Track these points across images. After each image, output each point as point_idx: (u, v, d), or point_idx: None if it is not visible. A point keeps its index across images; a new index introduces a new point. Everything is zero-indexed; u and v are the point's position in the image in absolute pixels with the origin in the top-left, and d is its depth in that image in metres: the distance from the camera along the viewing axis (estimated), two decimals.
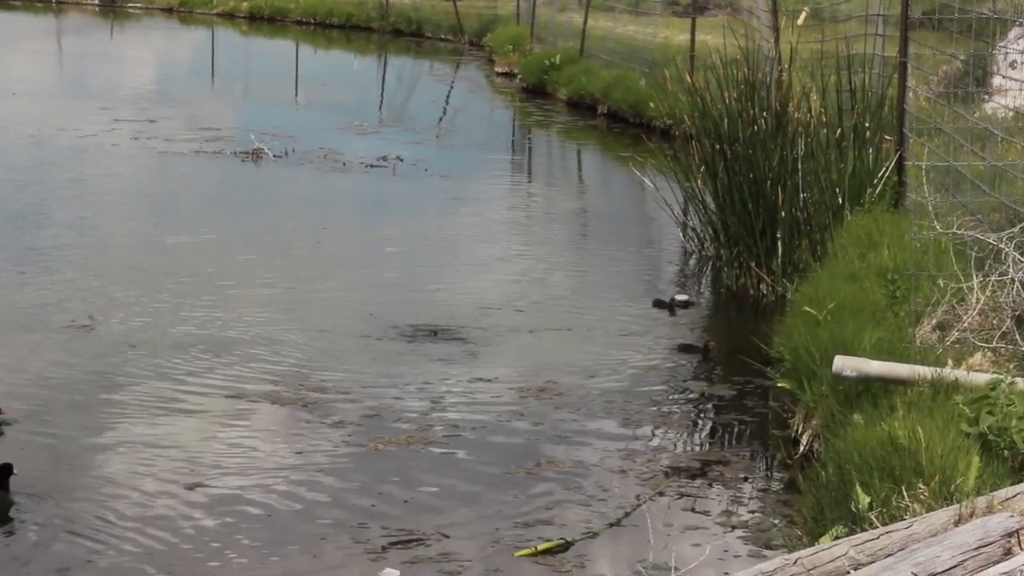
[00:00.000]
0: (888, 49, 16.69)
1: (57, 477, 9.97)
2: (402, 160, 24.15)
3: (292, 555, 8.88)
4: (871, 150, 15.38)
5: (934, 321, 10.37)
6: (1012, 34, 18.09)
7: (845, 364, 9.36)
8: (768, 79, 16.80)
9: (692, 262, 17.58)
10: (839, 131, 15.60)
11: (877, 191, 14.67)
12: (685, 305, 15.19)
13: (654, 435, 11.26)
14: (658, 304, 15.16)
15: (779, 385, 11.50)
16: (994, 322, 10.13)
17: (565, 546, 9.04)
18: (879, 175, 14.83)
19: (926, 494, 7.25)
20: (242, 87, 37.21)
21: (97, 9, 60.96)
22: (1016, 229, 10.57)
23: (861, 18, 18.41)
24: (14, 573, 8.58)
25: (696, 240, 17.67)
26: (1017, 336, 9.81)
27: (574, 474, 10.33)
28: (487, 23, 47.27)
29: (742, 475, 10.45)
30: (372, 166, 23.70)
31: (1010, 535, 5.84)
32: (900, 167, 14.51)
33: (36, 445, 10.44)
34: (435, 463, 10.46)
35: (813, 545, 6.63)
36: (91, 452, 10.48)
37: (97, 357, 12.74)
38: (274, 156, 24.07)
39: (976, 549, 5.69)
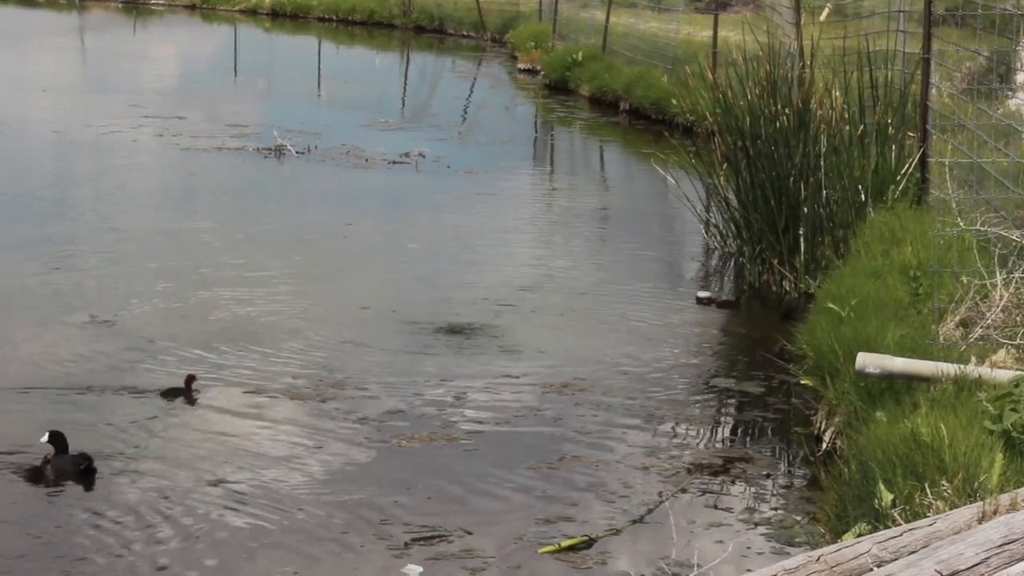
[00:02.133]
0: (911, 45, 16.67)
1: (75, 483, 10.01)
2: (424, 156, 24.18)
3: (315, 551, 8.90)
4: (894, 147, 15.36)
5: (957, 318, 10.36)
6: None
7: (868, 361, 9.35)
8: (790, 75, 16.78)
9: (714, 259, 17.57)
10: (862, 128, 15.58)
11: (900, 188, 14.66)
12: (709, 302, 15.18)
13: (676, 432, 11.27)
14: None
15: (802, 382, 11.49)
16: (1018, 319, 10.12)
17: (588, 543, 9.05)
18: (902, 172, 14.82)
19: (949, 491, 7.25)
20: (265, 84, 37.27)
21: (120, 6, 61.12)
22: None
23: (884, 14, 18.40)
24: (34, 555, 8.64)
25: (719, 237, 17.65)
26: None
27: (597, 471, 10.34)
28: (509, 19, 47.29)
29: (765, 472, 10.45)
30: (395, 162, 23.73)
31: None
32: (923, 164, 14.49)
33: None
34: (458, 459, 10.48)
35: (836, 542, 6.63)
36: (110, 448, 10.51)
37: (117, 352, 12.77)
38: (297, 152, 24.11)
39: (1000, 546, 5.68)
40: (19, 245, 16.72)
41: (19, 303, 14.30)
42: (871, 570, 5.83)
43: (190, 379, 11.77)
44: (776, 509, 9.76)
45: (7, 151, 23.85)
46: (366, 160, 23.82)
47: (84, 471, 9.93)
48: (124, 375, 12.17)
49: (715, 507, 9.76)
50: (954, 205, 11.34)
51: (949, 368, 9.06)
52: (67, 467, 10.00)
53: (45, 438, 10.17)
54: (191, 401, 11.59)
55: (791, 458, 10.86)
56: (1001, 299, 10.22)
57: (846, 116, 15.92)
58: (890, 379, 9.42)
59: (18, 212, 18.71)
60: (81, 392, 11.69)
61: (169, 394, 11.66)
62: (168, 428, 10.96)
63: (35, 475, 10.00)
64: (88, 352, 12.78)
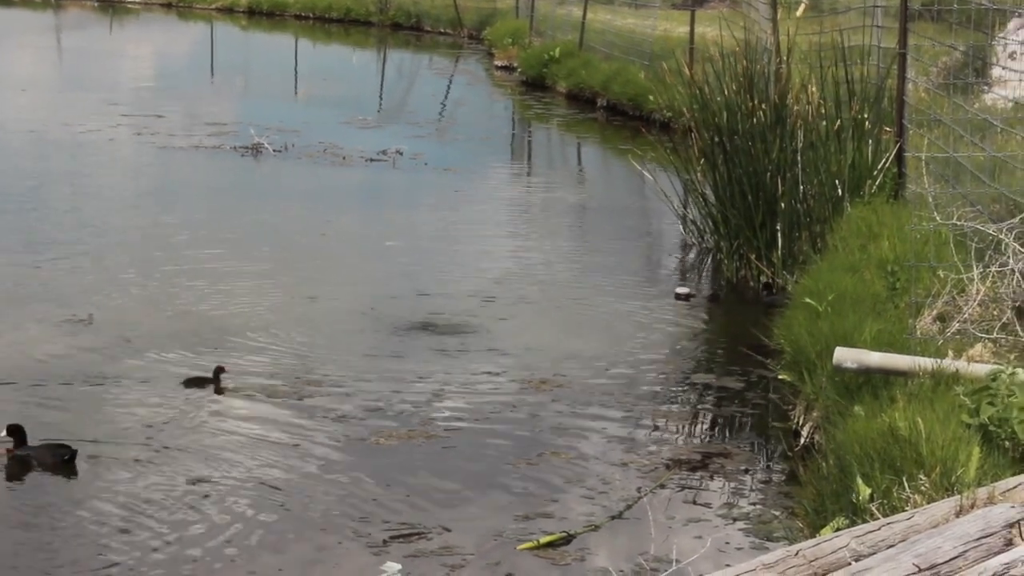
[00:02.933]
0: (887, 40, 16.68)
1: (55, 475, 10.00)
2: (402, 154, 24.15)
3: (294, 549, 8.88)
4: (871, 141, 15.38)
5: (934, 312, 10.38)
6: (1011, 25, 18.11)
7: (845, 356, 9.36)
8: (767, 71, 16.80)
9: (692, 254, 17.58)
10: (838, 123, 15.59)
11: (877, 182, 14.67)
12: (686, 298, 15.20)
13: (655, 427, 11.27)
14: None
15: (780, 377, 11.50)
16: (994, 313, 10.14)
17: (567, 539, 9.05)
18: (879, 166, 14.83)
19: (927, 485, 7.26)
20: (242, 82, 37.21)
21: (96, 4, 60.96)
22: (1016, 220, 10.57)
23: (860, 10, 18.40)
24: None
25: (696, 232, 17.67)
26: (1017, 327, 9.81)
27: (576, 467, 10.34)
28: (486, 17, 47.28)
29: (743, 467, 10.46)
30: (372, 160, 23.70)
31: (1011, 526, 5.84)
32: (900, 158, 14.51)
33: (32, 440, 10.45)
34: (436, 457, 10.47)
35: (814, 537, 6.63)
36: (87, 449, 10.47)
37: (94, 351, 12.73)
38: (274, 151, 24.06)
39: (977, 540, 5.69)
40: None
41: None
42: (849, 564, 5.84)
43: (219, 369, 11.90)
44: (754, 504, 9.77)
45: None
46: (343, 158, 23.79)
47: (67, 461, 10.04)
48: (99, 372, 12.13)
49: (694, 503, 9.77)
50: (931, 200, 11.36)
51: (926, 362, 9.07)
52: (47, 458, 10.07)
53: (2, 432, 10.24)
54: (219, 390, 11.72)
55: (769, 453, 10.87)
56: (978, 293, 10.24)
57: (823, 111, 15.93)
58: (867, 374, 9.43)
59: None
60: (57, 388, 11.65)
61: (196, 383, 11.82)
62: (143, 427, 10.92)
63: (12, 468, 10.07)
64: (65, 349, 12.74)
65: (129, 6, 60.35)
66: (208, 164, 23.15)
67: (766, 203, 15.89)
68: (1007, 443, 7.90)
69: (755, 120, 16.08)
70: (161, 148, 24.21)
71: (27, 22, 53.03)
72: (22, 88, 32.34)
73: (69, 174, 21.84)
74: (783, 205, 15.72)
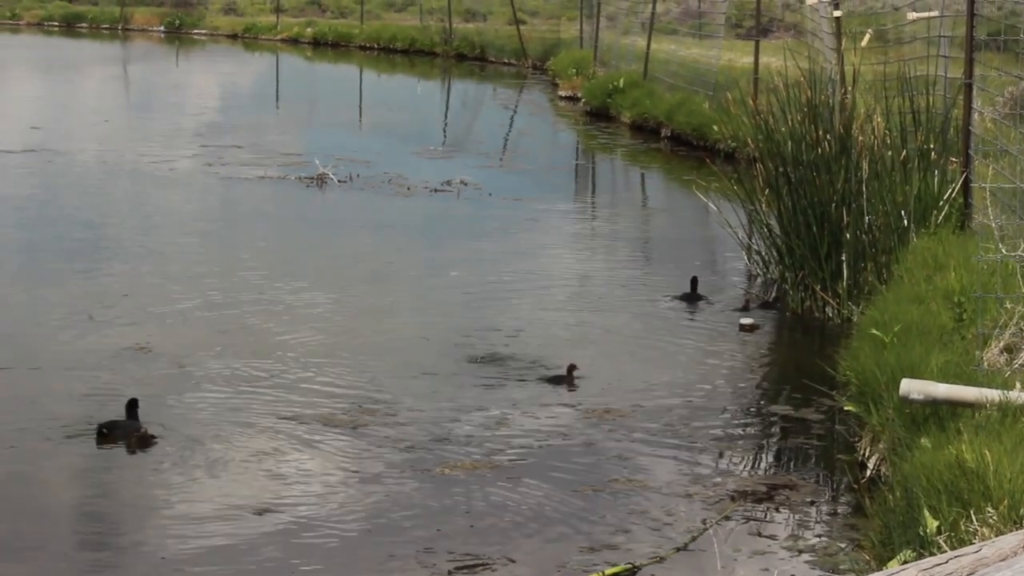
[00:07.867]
0: (953, 70, 16.63)
1: (119, 503, 10.08)
2: (466, 184, 24.23)
3: None
4: (936, 172, 15.32)
5: (1001, 344, 10.32)
6: None
7: (912, 387, 9.32)
8: (832, 101, 16.76)
9: (757, 285, 17.53)
10: (904, 153, 15.55)
11: (943, 213, 14.62)
12: (751, 328, 15.16)
13: (720, 458, 11.25)
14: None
15: (845, 408, 11.45)
16: None
17: (632, 571, 9.03)
18: (945, 197, 14.78)
19: (995, 518, 7.22)
20: (307, 112, 37.45)
21: (162, 35, 61.56)
22: None
23: (925, 39, 18.36)
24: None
25: (761, 263, 17.63)
26: None
27: (640, 498, 10.32)
28: (550, 47, 47.43)
29: (809, 499, 10.42)
30: (436, 190, 23.79)
31: None
32: (966, 189, 14.46)
33: (93, 470, 10.54)
34: (500, 487, 10.47)
35: (881, 569, 6.61)
36: (150, 478, 10.55)
37: (153, 380, 12.78)
38: (339, 181, 24.20)
39: None
40: (68, 272, 16.83)
41: (64, 327, 14.35)
42: None
43: (571, 368, 13.06)
44: (820, 536, 9.72)
45: (59, 178, 24.08)
46: (408, 188, 23.89)
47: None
48: (153, 396, 12.21)
49: (759, 535, 9.74)
50: (997, 230, 11.30)
51: (993, 394, 9.02)
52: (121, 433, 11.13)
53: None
54: (572, 387, 12.86)
55: (835, 485, 10.82)
56: None
57: (888, 142, 15.89)
58: (934, 405, 9.39)
59: (67, 241, 18.84)
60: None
61: (553, 380, 13.01)
62: (209, 452, 10.98)
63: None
64: (123, 373, 12.82)
65: (195, 37, 60.93)
66: (273, 194, 23.31)
67: (831, 234, 15.85)
68: None
69: (820, 150, 16.05)
70: (226, 179, 24.40)
71: (95, 53, 53.61)
72: (104, 119, 32.71)
73: (137, 205, 22.06)
74: (848, 236, 15.68)
